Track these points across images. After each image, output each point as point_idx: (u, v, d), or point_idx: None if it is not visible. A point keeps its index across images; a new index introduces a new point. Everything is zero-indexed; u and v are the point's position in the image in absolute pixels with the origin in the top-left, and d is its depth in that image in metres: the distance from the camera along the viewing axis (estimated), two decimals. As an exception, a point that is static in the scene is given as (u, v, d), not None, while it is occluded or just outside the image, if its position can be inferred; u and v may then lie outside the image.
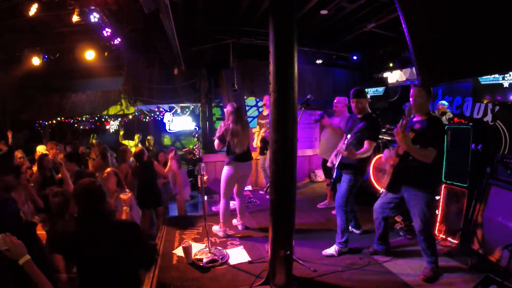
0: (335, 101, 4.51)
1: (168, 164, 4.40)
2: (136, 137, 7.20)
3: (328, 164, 3.47)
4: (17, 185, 2.77)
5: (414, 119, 2.66)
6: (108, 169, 3.39)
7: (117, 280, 1.76)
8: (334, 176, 3.18)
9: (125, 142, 7.34)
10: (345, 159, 3.05)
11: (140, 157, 4.21)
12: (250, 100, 7.04)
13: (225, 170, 3.58)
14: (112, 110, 7.34)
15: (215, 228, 3.70)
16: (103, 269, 1.72)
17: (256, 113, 7.13)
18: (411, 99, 2.60)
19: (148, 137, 6.98)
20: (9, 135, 5.46)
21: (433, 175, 2.63)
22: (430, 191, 2.63)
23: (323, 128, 4.66)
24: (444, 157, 3.21)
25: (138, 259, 1.86)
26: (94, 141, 7.07)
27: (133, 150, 6.16)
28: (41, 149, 4.68)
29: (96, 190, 1.78)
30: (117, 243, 1.75)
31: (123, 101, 6.89)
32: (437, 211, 3.39)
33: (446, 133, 2.63)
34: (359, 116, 3.11)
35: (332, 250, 3.06)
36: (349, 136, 3.01)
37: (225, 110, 3.61)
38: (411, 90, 2.63)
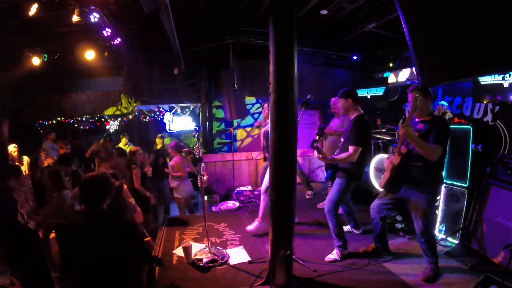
0: (331, 102, 4.48)
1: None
2: (124, 139, 6.91)
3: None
4: (17, 187, 2.78)
5: (416, 120, 2.65)
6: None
7: (113, 280, 1.76)
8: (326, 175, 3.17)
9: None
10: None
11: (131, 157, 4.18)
12: (249, 99, 7.06)
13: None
14: (112, 110, 7.32)
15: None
16: (100, 270, 1.71)
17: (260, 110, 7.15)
18: (410, 104, 2.58)
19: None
20: None
21: (436, 176, 2.59)
22: (432, 193, 2.61)
23: (327, 136, 4.61)
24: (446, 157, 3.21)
25: (138, 262, 1.84)
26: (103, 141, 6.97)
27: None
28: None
29: (97, 186, 1.77)
30: (116, 243, 1.74)
31: (123, 101, 6.88)
32: (437, 211, 3.39)
33: (450, 133, 2.58)
34: (350, 118, 3.06)
35: (334, 255, 3.02)
36: (341, 139, 3.01)
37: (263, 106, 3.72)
38: (409, 96, 2.61)
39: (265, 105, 3.70)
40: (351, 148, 2.85)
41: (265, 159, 3.12)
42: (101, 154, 5.14)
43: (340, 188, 2.97)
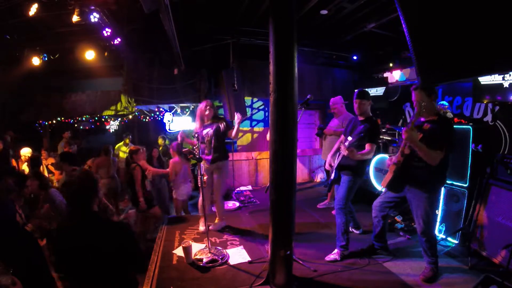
0: (331, 103, 4.48)
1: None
2: (126, 140, 6.90)
3: (326, 167, 3.46)
4: (16, 192, 2.77)
5: (422, 120, 2.63)
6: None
7: (109, 281, 1.74)
8: (332, 177, 3.18)
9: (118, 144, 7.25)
10: (344, 161, 3.04)
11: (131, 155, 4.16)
12: (255, 104, 7.08)
13: (227, 166, 3.82)
14: (112, 110, 7.33)
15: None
16: (92, 268, 1.69)
17: (262, 116, 7.19)
18: (414, 103, 2.55)
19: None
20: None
21: (438, 176, 2.57)
22: (434, 193, 2.61)
23: (326, 136, 4.62)
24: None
25: (130, 262, 1.82)
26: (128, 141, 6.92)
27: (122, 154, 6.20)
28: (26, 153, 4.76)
29: (84, 186, 1.75)
30: (107, 242, 1.71)
31: (123, 100, 6.88)
32: (437, 211, 3.39)
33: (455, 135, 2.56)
34: (360, 118, 3.12)
35: (334, 255, 3.03)
36: (349, 138, 3.01)
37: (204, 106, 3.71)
38: (413, 95, 2.59)
39: (202, 105, 3.69)
40: (368, 146, 2.97)
41: (200, 160, 3.18)
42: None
43: (348, 185, 3.04)
